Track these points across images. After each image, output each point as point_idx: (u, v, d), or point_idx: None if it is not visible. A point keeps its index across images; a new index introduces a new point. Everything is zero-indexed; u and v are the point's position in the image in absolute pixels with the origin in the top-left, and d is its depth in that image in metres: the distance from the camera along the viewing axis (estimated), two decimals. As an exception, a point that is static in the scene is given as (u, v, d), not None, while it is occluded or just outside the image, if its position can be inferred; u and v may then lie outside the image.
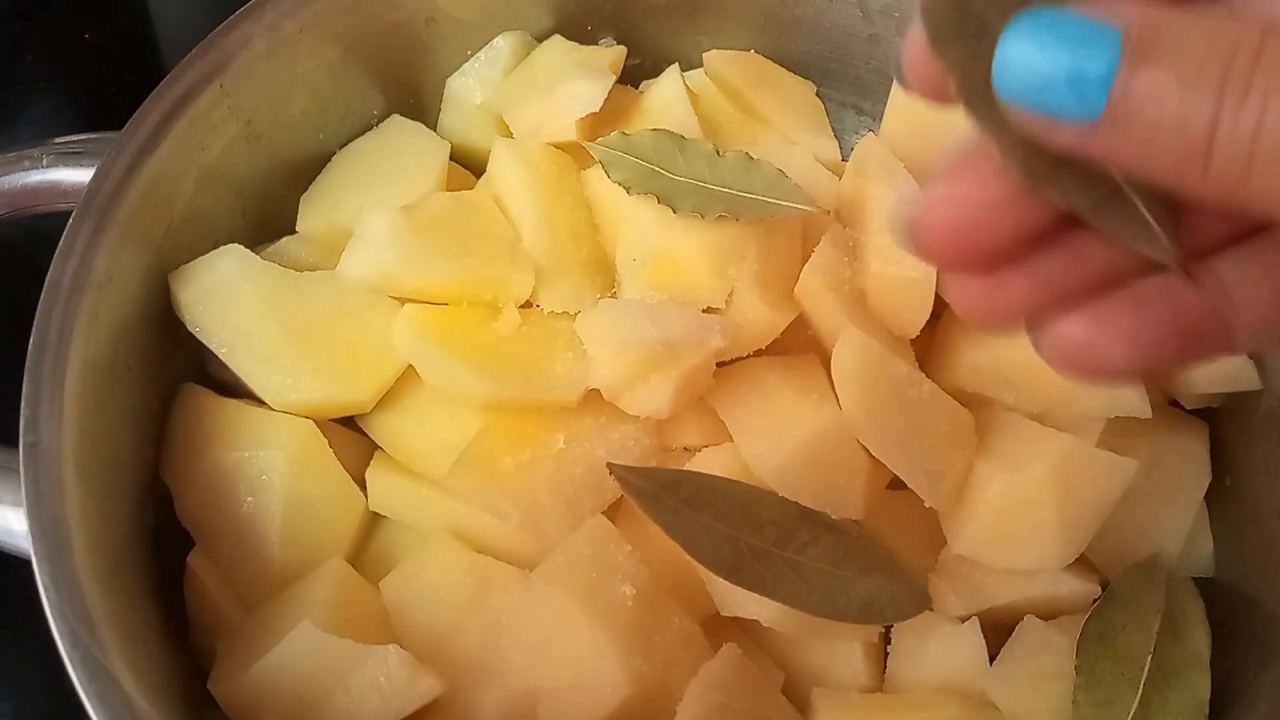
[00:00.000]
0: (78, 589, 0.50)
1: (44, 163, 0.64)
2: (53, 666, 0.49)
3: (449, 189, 0.73)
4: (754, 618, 0.60)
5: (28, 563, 0.51)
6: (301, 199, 0.74)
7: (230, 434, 0.64)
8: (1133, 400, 0.65)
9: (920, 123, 0.73)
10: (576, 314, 0.68)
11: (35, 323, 0.55)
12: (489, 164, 0.73)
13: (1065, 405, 0.66)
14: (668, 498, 0.58)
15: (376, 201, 0.70)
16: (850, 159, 0.71)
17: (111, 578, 0.54)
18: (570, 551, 0.59)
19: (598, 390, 0.65)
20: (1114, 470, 0.62)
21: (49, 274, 0.56)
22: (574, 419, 0.65)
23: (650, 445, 0.65)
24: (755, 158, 0.68)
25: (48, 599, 0.49)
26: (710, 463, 0.64)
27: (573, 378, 0.65)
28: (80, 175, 0.63)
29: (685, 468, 0.64)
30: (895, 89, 0.75)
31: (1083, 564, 0.64)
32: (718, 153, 0.69)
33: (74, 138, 0.65)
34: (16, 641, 0.74)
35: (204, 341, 0.65)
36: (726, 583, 0.57)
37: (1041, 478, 0.61)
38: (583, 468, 0.63)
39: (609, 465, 0.57)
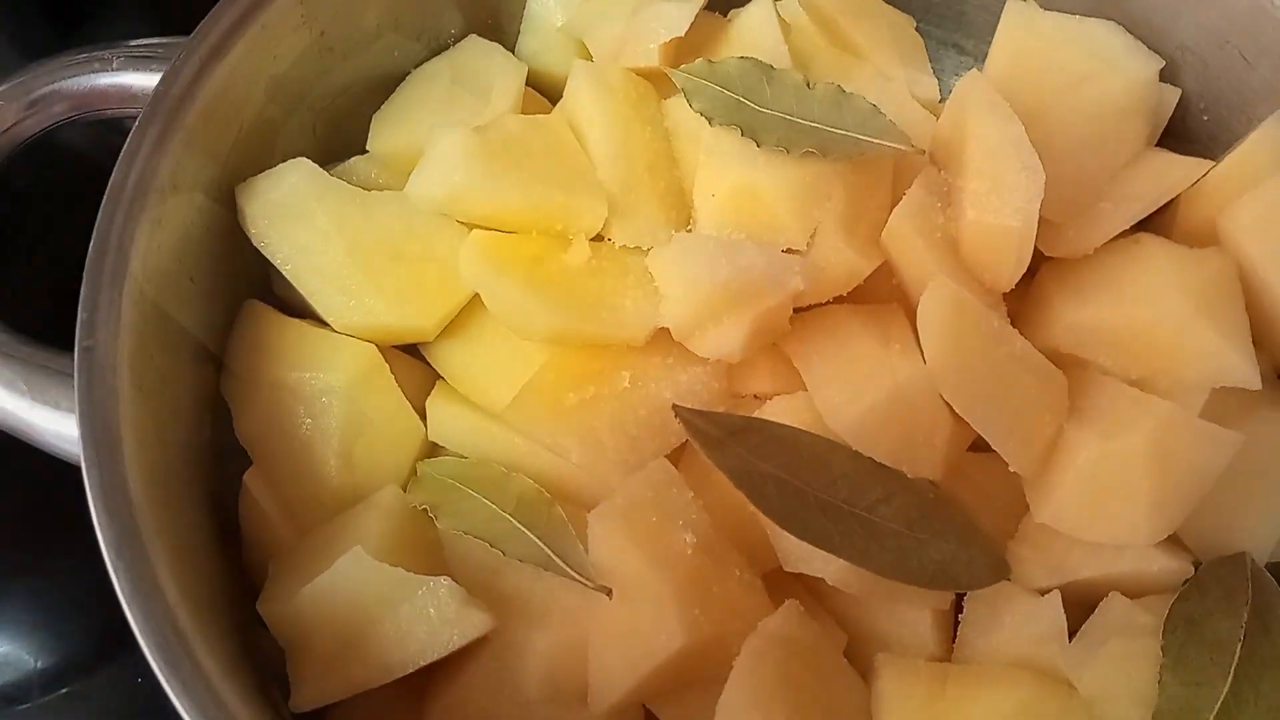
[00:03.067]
0: (126, 498, 0.49)
1: (114, 65, 0.62)
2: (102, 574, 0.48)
3: (524, 112, 0.70)
4: (819, 575, 0.57)
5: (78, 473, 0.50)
6: (374, 117, 0.72)
7: (292, 354, 0.63)
8: (1242, 370, 0.60)
9: (1030, 62, 0.68)
10: (649, 249, 0.65)
11: (96, 225, 0.54)
12: (566, 88, 0.70)
13: (1168, 372, 0.61)
14: (735, 445, 0.55)
15: (450, 123, 0.67)
16: (949, 97, 0.66)
17: (164, 489, 0.53)
18: (630, 493, 0.57)
19: (667, 329, 0.62)
20: (1217, 443, 0.58)
21: (112, 177, 0.55)
22: (641, 358, 0.62)
23: (719, 390, 0.62)
24: (847, 91, 0.64)
25: (95, 506, 0.48)
26: (781, 411, 0.61)
27: (642, 315, 0.62)
28: (150, 80, 0.61)
29: (754, 415, 0.61)
30: (1003, 24, 0.70)
31: (1173, 542, 0.60)
32: (808, 85, 0.65)
33: (145, 41, 0.63)
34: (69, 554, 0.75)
35: (268, 257, 0.63)
36: (792, 537, 0.55)
37: (1138, 447, 0.57)
38: (647, 409, 0.60)
39: (674, 407, 0.54)
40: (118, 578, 0.47)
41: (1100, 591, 0.59)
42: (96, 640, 0.75)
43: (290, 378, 0.62)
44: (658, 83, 0.71)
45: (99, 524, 0.48)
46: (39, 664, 0.74)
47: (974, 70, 0.66)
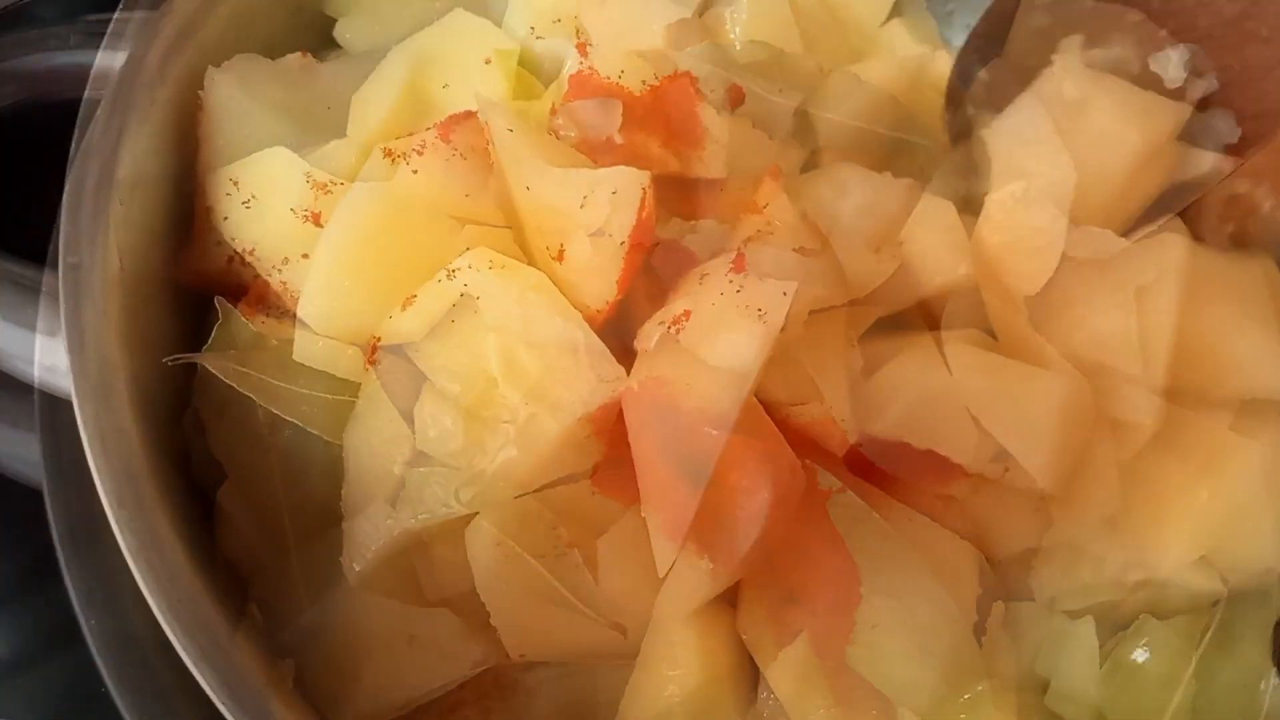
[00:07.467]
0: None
1: (71, 42, 0.56)
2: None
3: (515, 97, 0.66)
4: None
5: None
6: (353, 99, 0.66)
7: (269, 360, 0.58)
8: (1273, 380, 0.58)
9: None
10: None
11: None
12: None
13: (1200, 382, 0.59)
14: None
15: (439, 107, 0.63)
16: (973, 84, 0.62)
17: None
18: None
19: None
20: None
21: (71, 172, 0.49)
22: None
23: (732, 399, 0.58)
24: (863, 79, 0.60)
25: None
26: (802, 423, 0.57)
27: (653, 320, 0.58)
28: (111, 60, 0.55)
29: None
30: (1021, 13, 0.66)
31: (1204, 562, 0.58)
32: (821, 72, 0.61)
33: (105, 16, 0.57)
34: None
35: (243, 255, 0.58)
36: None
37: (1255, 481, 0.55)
38: (657, 421, 0.56)
39: None
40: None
41: (1128, 613, 0.56)
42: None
43: (267, 386, 0.58)
44: (657, 64, 0.66)
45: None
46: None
47: (999, 59, 0.62)
